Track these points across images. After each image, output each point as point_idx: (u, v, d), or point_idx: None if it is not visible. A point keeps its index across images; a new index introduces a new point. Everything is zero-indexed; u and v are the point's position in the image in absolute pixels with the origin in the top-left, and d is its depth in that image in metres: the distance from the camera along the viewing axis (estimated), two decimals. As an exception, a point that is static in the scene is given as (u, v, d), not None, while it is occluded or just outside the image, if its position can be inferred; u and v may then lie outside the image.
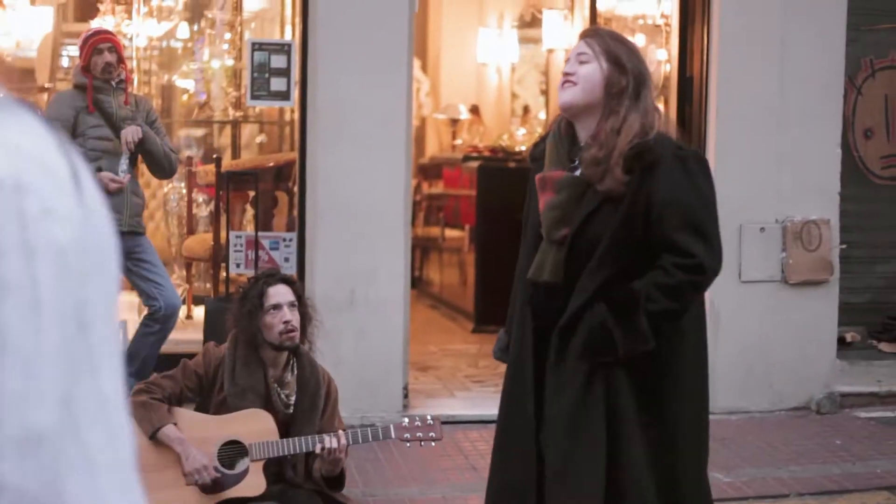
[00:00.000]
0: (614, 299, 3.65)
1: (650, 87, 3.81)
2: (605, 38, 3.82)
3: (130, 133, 6.81)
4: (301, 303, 5.26)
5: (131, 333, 7.39)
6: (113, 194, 6.76)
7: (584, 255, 3.71)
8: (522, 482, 3.87)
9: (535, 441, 3.85)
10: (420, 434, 5.13)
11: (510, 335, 4.09)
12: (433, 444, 5.18)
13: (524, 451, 3.87)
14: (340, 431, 5.03)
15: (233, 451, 5.08)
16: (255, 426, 5.08)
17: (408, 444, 5.16)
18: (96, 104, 6.87)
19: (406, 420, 5.16)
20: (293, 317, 5.15)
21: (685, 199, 3.66)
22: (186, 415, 5.17)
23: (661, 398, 3.74)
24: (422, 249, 11.93)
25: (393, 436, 5.10)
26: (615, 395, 3.70)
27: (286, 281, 5.27)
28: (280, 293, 5.18)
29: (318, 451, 4.97)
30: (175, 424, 5.08)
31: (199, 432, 5.09)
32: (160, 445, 5.08)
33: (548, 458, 3.82)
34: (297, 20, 7.82)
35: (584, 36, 3.89)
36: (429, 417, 5.18)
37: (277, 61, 7.63)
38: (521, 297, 3.95)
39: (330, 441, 4.97)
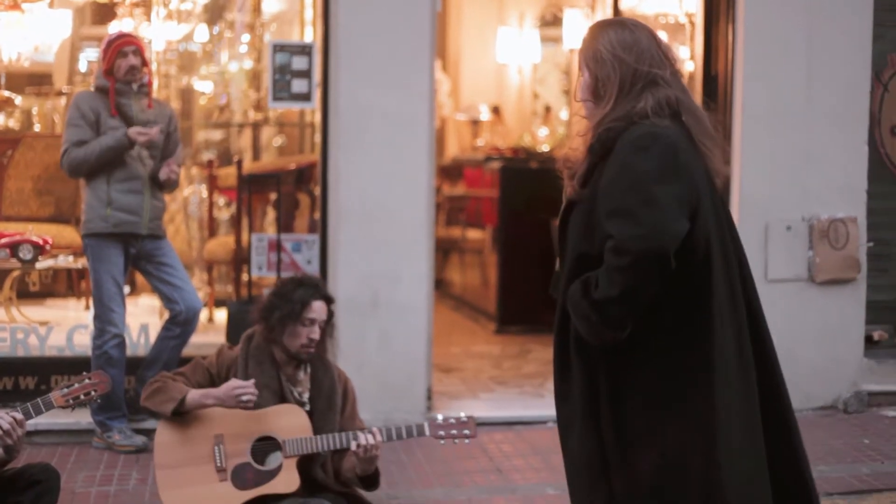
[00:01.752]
0: (570, 291, 3.63)
1: (635, 76, 3.66)
2: (582, 46, 3.79)
3: (173, 175, 6.93)
4: (330, 321, 5.29)
5: (152, 337, 7.38)
6: (144, 146, 6.82)
7: (567, 245, 3.75)
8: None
9: None
10: (454, 431, 5.11)
11: None
12: (467, 441, 5.14)
13: None
14: (374, 428, 5.02)
15: (266, 447, 5.08)
16: (289, 422, 5.09)
17: (442, 442, 5.13)
18: (118, 108, 6.85)
19: (441, 418, 5.14)
20: (317, 334, 5.21)
21: (615, 185, 3.56)
22: (218, 409, 5.16)
23: (611, 401, 3.63)
24: (443, 251, 11.89)
25: (427, 433, 5.09)
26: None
27: (326, 298, 5.30)
28: (319, 310, 5.24)
29: (353, 447, 4.96)
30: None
31: (233, 427, 5.08)
32: (191, 442, 5.07)
33: None
34: (319, 21, 7.78)
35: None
36: (463, 416, 5.16)
37: (299, 63, 7.61)
38: None
39: (365, 438, 4.96)
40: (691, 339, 3.60)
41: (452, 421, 5.14)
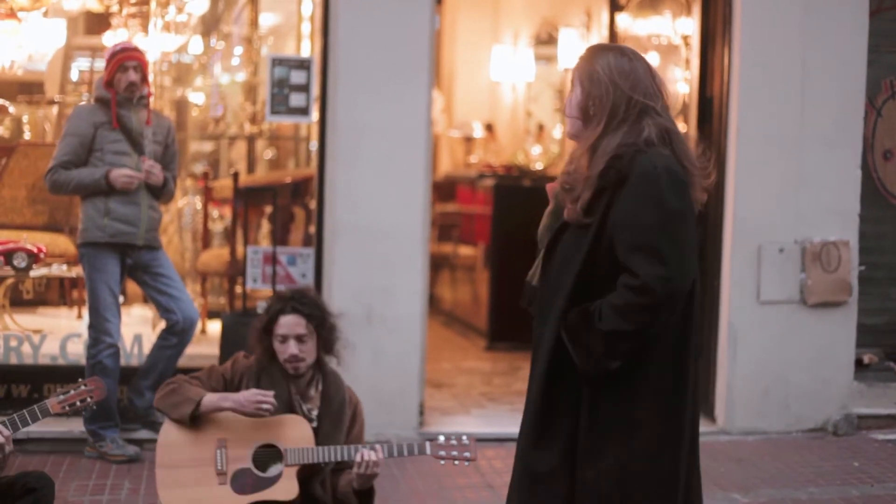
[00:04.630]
0: (568, 319, 3.66)
1: (629, 104, 3.70)
2: (579, 64, 3.82)
3: (155, 174, 6.89)
4: (320, 332, 5.24)
5: (146, 347, 7.39)
6: (129, 191, 6.81)
7: (554, 266, 3.78)
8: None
9: None
10: (455, 453, 5.12)
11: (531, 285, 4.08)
12: (467, 463, 5.15)
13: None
14: (377, 445, 5.03)
15: (268, 455, 5.09)
16: (292, 432, 5.10)
17: (441, 462, 5.14)
18: (119, 119, 6.87)
19: (442, 438, 5.15)
20: (298, 350, 5.19)
21: (640, 219, 3.59)
22: (223, 414, 5.17)
23: (610, 424, 3.69)
24: (434, 267, 11.90)
25: (428, 452, 5.10)
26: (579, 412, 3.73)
27: (300, 312, 5.21)
28: (289, 325, 5.19)
29: (357, 459, 4.97)
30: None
31: (236, 432, 5.10)
32: (194, 444, 5.09)
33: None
34: (317, 36, 7.81)
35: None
36: (464, 438, 5.16)
37: (297, 77, 7.63)
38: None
39: (368, 453, 4.96)
40: (674, 366, 3.72)
41: (454, 442, 5.14)
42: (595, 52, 3.84)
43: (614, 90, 3.71)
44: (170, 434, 5.16)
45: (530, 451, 3.78)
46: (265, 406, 5.06)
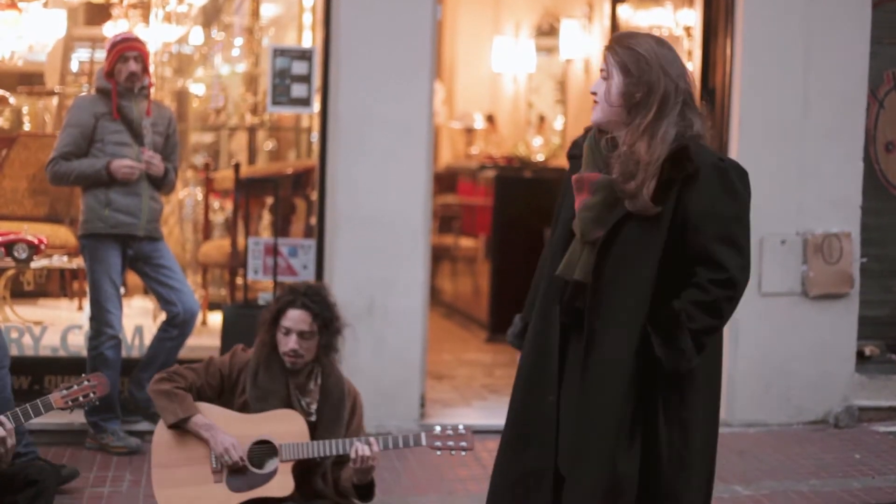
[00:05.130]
0: (658, 321, 3.66)
1: (677, 91, 3.69)
2: (618, 50, 3.75)
3: (155, 165, 6.86)
4: (324, 331, 5.20)
5: (147, 339, 7.38)
6: (130, 181, 6.80)
7: (615, 260, 3.71)
8: (540, 469, 3.84)
9: (555, 432, 3.84)
10: (451, 443, 5.10)
11: (526, 322, 4.05)
12: (464, 453, 5.14)
13: (544, 439, 3.84)
14: (371, 438, 5.01)
15: (263, 451, 5.08)
16: (286, 427, 5.08)
17: (438, 453, 5.12)
18: (119, 110, 6.86)
19: (438, 428, 5.14)
20: (299, 346, 5.15)
21: (723, 210, 3.64)
22: (217, 411, 5.17)
23: (680, 407, 3.73)
24: (435, 258, 11.90)
25: (424, 443, 5.08)
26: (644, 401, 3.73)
27: (309, 308, 5.18)
28: (295, 319, 5.15)
29: (352, 454, 4.95)
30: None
31: (230, 430, 5.10)
32: (189, 442, 5.08)
33: (562, 451, 3.82)
34: (319, 27, 7.80)
35: (605, 48, 3.84)
36: (460, 427, 5.15)
37: (299, 68, 7.61)
38: (547, 291, 3.92)
39: (363, 447, 4.95)
40: (717, 353, 3.86)
41: (450, 432, 5.12)
42: (634, 38, 3.79)
43: (664, 77, 3.68)
44: (164, 433, 5.14)
45: (623, 456, 3.70)
46: (228, 460, 5.04)
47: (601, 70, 3.80)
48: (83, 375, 4.98)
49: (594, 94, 3.80)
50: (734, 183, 3.67)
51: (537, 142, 12.13)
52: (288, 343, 5.14)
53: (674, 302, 3.65)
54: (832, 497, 6.46)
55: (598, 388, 3.73)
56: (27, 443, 6.00)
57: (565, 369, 3.85)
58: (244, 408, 5.18)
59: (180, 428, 5.09)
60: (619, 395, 3.69)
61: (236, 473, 5.07)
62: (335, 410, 5.22)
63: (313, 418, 5.18)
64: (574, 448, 3.77)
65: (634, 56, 3.71)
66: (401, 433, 5.15)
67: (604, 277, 3.72)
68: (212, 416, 5.13)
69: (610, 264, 3.72)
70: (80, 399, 4.89)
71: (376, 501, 5.90)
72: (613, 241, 3.72)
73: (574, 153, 4.01)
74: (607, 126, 3.78)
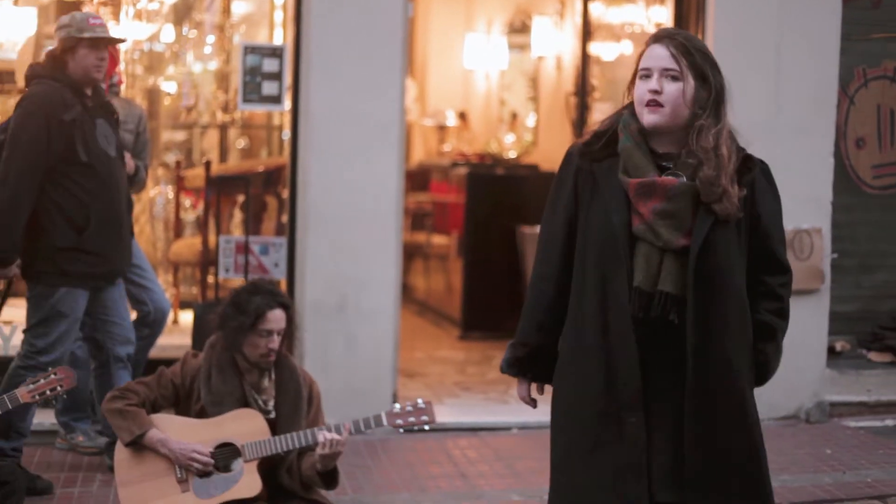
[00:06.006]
0: (763, 334, 3.75)
1: (728, 97, 3.72)
2: (692, 53, 3.64)
3: (126, 163, 6.81)
4: (290, 326, 5.21)
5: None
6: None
7: (712, 270, 3.61)
8: (637, 464, 3.63)
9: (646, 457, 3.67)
10: (412, 419, 5.08)
11: (530, 348, 3.81)
12: (427, 427, 5.10)
13: (635, 468, 3.63)
14: (345, 423, 5.00)
15: (226, 453, 5.05)
16: (246, 426, 5.05)
17: (401, 431, 5.11)
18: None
19: (398, 406, 5.12)
20: (277, 344, 5.13)
21: (778, 211, 3.78)
22: (175, 420, 5.14)
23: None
24: (408, 256, 11.89)
25: (385, 423, 5.07)
26: None
27: (284, 306, 5.18)
28: (277, 319, 5.13)
29: (321, 440, 4.93)
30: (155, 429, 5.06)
31: (189, 437, 5.05)
32: (149, 457, 5.04)
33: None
34: (290, 24, 7.77)
35: (668, 45, 3.66)
36: (419, 401, 5.12)
37: (270, 65, 7.59)
38: (604, 305, 3.64)
39: (331, 433, 4.93)
40: None
41: (410, 408, 5.10)
42: (693, 37, 3.76)
43: (721, 76, 3.71)
44: (124, 451, 5.08)
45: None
46: (197, 465, 5.02)
47: (666, 70, 3.63)
48: (49, 370, 4.96)
49: (656, 92, 3.63)
50: (774, 182, 3.79)
51: (510, 139, 12.12)
52: (269, 344, 5.11)
53: (761, 314, 3.73)
54: (803, 492, 6.47)
55: (730, 412, 3.71)
56: (15, 447, 6.00)
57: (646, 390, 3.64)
58: (201, 413, 5.13)
59: (137, 444, 5.06)
60: (755, 416, 3.76)
61: (203, 479, 5.04)
62: (293, 404, 5.19)
63: (272, 415, 5.15)
64: (716, 473, 3.68)
65: (709, 60, 3.68)
66: (361, 417, 5.10)
67: (703, 289, 3.60)
68: (170, 426, 5.08)
69: (707, 274, 3.60)
70: (48, 392, 4.87)
71: (348, 500, 5.91)
72: (707, 249, 3.61)
73: (597, 156, 3.73)
74: (666, 128, 3.67)
